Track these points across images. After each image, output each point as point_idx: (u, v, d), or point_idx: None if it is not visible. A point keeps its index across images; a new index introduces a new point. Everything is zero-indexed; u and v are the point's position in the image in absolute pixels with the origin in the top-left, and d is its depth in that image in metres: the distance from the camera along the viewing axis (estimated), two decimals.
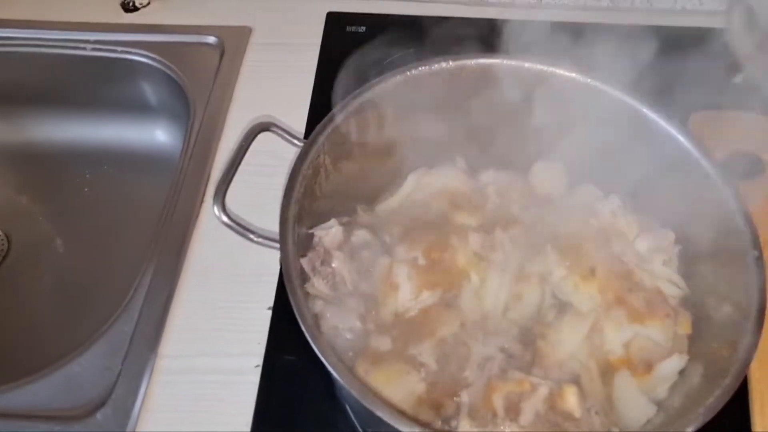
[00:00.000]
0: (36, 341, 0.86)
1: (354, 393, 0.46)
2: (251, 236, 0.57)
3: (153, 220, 0.89)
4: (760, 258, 0.53)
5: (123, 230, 0.98)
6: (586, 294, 0.58)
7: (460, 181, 0.70)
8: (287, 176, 0.57)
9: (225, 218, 0.56)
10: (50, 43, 0.97)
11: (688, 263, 0.62)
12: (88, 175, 1.04)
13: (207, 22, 1.00)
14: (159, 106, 1.02)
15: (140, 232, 0.95)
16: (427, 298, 0.59)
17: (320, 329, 0.59)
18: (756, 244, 0.54)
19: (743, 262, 0.53)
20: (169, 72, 0.96)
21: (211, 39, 0.98)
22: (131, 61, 0.97)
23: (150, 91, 1.01)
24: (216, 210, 0.56)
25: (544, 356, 0.57)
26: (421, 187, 0.70)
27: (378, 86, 0.64)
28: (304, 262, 0.57)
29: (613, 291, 0.58)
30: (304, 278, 0.58)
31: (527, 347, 0.58)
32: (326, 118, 0.61)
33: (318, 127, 0.60)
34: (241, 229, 0.57)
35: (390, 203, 0.71)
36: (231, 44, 0.97)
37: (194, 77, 0.94)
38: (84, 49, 0.98)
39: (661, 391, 0.56)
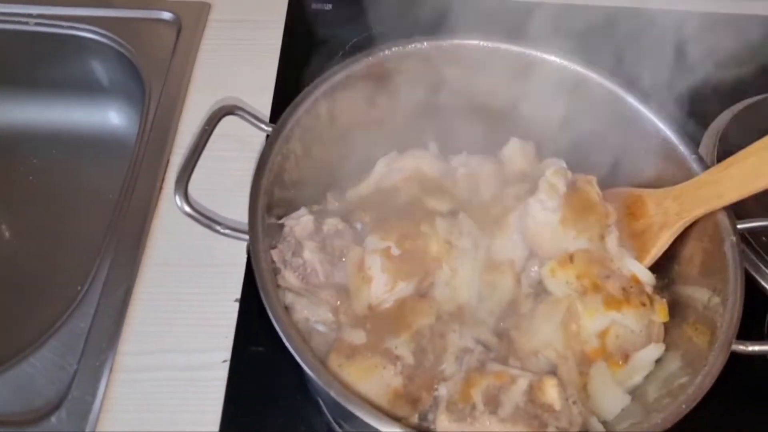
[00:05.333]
0: None
1: (333, 394, 0.44)
2: (217, 227, 0.53)
3: (107, 208, 0.84)
4: (737, 244, 0.53)
5: (75, 219, 0.92)
6: (563, 279, 0.57)
7: (431, 164, 0.68)
8: (256, 163, 0.53)
9: (188, 209, 0.52)
10: None
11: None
12: (35, 161, 0.97)
13: None
14: (111, 87, 0.97)
15: (93, 221, 0.90)
16: (403, 288, 0.58)
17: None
18: (733, 230, 0.53)
19: (719, 248, 0.53)
20: (121, 50, 0.91)
21: (167, 15, 0.93)
22: (79, 37, 0.91)
23: (101, 70, 0.95)
24: (178, 200, 0.52)
25: (519, 347, 0.56)
26: (392, 172, 0.68)
27: (349, 67, 0.60)
28: (274, 254, 0.55)
29: (590, 277, 0.57)
30: (275, 271, 0.55)
31: (503, 338, 0.56)
32: (295, 101, 0.58)
33: (287, 111, 0.57)
34: (206, 220, 0.53)
35: (360, 189, 0.68)
36: (188, 21, 0.92)
37: (149, 56, 0.89)
38: (26, 24, 0.91)
39: (637, 380, 0.56)
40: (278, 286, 0.55)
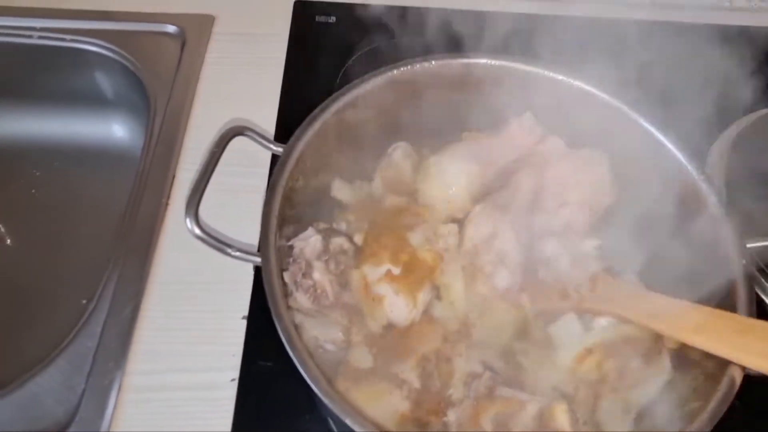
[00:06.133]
0: None
1: (349, 423, 0.44)
2: (228, 250, 0.53)
3: (111, 223, 0.84)
4: (747, 264, 0.52)
5: (78, 233, 0.91)
6: (585, 374, 0.56)
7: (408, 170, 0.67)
8: (266, 186, 0.53)
9: (199, 231, 0.52)
10: None
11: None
12: (38, 174, 0.97)
13: (165, 9, 0.94)
14: (115, 100, 0.96)
15: (97, 235, 0.89)
16: (424, 297, 0.57)
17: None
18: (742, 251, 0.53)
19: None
20: (125, 63, 0.90)
21: (171, 28, 0.92)
22: (83, 50, 0.91)
23: (105, 83, 0.95)
24: (189, 223, 0.52)
25: (527, 378, 0.55)
26: (376, 185, 0.67)
27: (359, 87, 0.60)
28: (286, 276, 0.54)
29: (613, 360, 0.55)
30: (286, 293, 0.55)
31: (510, 362, 0.56)
32: (305, 122, 0.58)
33: (297, 132, 0.57)
34: (217, 243, 0.53)
35: (361, 204, 0.67)
36: (192, 34, 0.92)
37: (154, 69, 0.89)
38: (30, 37, 0.91)
39: (644, 402, 0.56)
40: (289, 307, 0.55)
